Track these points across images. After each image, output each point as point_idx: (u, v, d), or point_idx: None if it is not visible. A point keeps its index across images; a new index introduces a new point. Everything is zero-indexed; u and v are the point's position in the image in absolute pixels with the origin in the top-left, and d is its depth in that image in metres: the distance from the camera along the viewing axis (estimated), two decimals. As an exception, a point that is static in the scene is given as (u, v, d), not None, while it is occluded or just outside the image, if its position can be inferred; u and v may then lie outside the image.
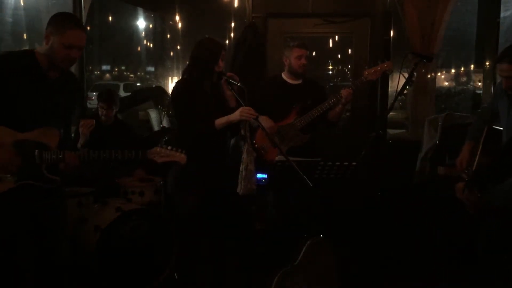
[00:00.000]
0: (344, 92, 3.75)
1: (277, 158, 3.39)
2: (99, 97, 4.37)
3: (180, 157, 2.88)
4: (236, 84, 3.14)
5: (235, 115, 3.20)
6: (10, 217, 2.58)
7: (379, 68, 3.75)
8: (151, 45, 19.70)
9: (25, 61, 2.58)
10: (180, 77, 3.48)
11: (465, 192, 2.84)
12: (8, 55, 2.62)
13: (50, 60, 2.60)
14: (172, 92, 3.41)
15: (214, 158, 3.33)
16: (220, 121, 3.25)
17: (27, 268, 2.65)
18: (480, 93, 5.54)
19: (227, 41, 6.47)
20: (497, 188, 2.64)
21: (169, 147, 2.86)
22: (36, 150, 2.61)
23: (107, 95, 4.34)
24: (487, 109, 3.22)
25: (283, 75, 4.07)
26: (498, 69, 2.85)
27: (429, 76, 5.37)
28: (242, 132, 3.16)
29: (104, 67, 23.11)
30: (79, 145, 3.70)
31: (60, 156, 2.65)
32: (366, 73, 3.77)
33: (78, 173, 2.94)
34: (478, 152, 2.86)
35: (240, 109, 3.16)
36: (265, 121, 3.85)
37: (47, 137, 2.66)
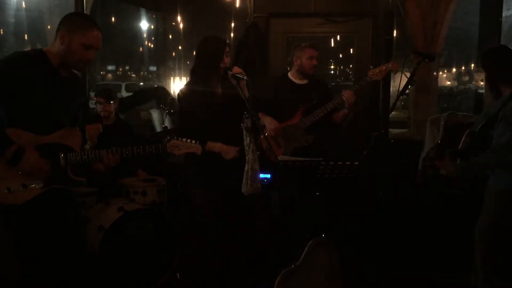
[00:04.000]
0: (345, 94, 3.75)
1: (280, 158, 3.39)
2: (96, 96, 4.36)
3: (197, 147, 2.91)
4: (242, 78, 3.14)
5: (228, 154, 3.28)
6: (40, 223, 2.56)
7: (384, 68, 3.75)
8: (153, 45, 19.73)
9: (38, 61, 2.55)
10: (189, 78, 3.49)
11: (445, 160, 3.13)
12: (20, 56, 2.58)
13: (64, 59, 2.58)
14: (179, 94, 3.44)
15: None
16: (212, 146, 3.26)
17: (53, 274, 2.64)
18: (482, 93, 5.53)
19: (227, 41, 6.47)
20: (472, 160, 2.97)
21: (184, 139, 2.87)
22: (61, 153, 2.59)
23: (103, 90, 4.38)
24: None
25: (290, 75, 4.07)
26: None
27: (431, 75, 5.37)
28: (245, 131, 3.15)
29: (110, 67, 23.16)
30: (87, 147, 3.70)
31: (91, 157, 2.64)
32: (371, 73, 3.76)
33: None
34: (464, 135, 3.16)
35: (235, 152, 3.26)
36: (270, 123, 3.86)
37: (70, 139, 2.64)
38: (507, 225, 2.93)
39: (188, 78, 3.52)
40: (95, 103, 4.36)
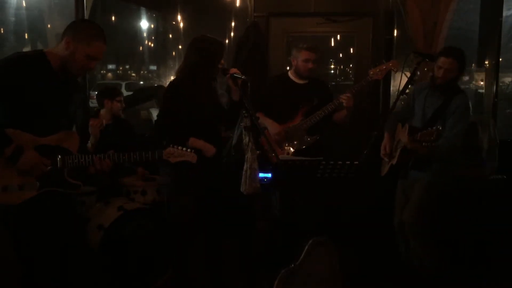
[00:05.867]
0: (344, 98, 3.73)
1: (280, 157, 3.39)
2: (111, 96, 4.32)
3: (191, 156, 2.94)
4: (241, 78, 3.15)
5: (209, 152, 3.27)
6: (35, 224, 2.56)
7: (384, 67, 3.74)
8: (154, 45, 19.72)
9: (38, 63, 2.55)
10: (179, 74, 3.44)
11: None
12: (20, 58, 2.58)
13: (65, 64, 2.59)
14: (168, 88, 3.43)
15: (210, 157, 3.34)
16: (195, 142, 3.25)
17: (50, 275, 2.64)
18: (482, 92, 5.53)
19: (227, 41, 6.46)
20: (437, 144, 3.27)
21: (180, 147, 2.91)
22: (59, 155, 2.60)
23: (114, 89, 4.40)
24: (402, 109, 3.78)
25: (290, 74, 4.06)
26: (436, 64, 3.43)
27: (431, 75, 5.34)
28: (244, 130, 3.15)
29: (110, 66, 23.14)
30: (89, 145, 3.72)
31: (88, 160, 2.66)
32: (372, 72, 3.75)
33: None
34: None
35: (214, 151, 3.28)
36: (272, 127, 3.84)
37: (67, 142, 2.65)
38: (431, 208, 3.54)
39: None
40: (109, 103, 4.33)
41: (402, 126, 3.57)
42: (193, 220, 3.36)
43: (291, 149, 3.87)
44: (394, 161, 3.50)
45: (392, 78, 5.14)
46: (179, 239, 3.46)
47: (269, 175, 3.49)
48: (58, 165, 2.60)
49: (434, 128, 3.11)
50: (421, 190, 3.52)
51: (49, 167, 2.57)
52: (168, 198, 3.57)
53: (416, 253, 3.58)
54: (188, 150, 2.94)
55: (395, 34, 5.23)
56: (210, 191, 3.35)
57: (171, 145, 2.89)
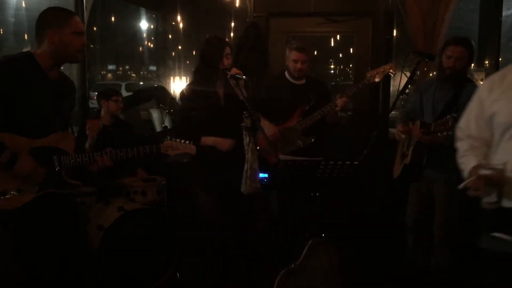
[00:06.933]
0: (339, 102, 3.70)
1: (280, 157, 3.39)
2: (107, 96, 4.30)
3: (191, 148, 2.94)
4: (241, 78, 3.16)
5: (224, 145, 3.36)
6: (35, 227, 2.55)
7: (382, 69, 3.71)
8: (153, 45, 19.75)
9: (27, 65, 2.53)
10: (191, 78, 3.58)
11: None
12: (9, 61, 2.55)
13: (58, 57, 2.57)
14: (181, 93, 3.51)
15: (234, 157, 3.34)
16: (206, 140, 3.35)
17: (50, 279, 2.63)
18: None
19: (229, 42, 6.48)
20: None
21: (178, 140, 2.91)
22: (55, 156, 2.58)
23: (112, 90, 4.40)
24: (410, 108, 3.70)
25: (287, 74, 4.05)
26: (445, 54, 3.33)
27: (431, 75, 5.35)
28: (244, 130, 3.15)
29: (110, 67, 23.17)
30: (87, 146, 3.71)
31: (85, 160, 2.65)
32: (369, 75, 3.72)
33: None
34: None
35: (231, 143, 3.33)
36: (268, 128, 3.83)
37: (63, 142, 2.64)
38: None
39: (189, 77, 3.59)
40: (106, 103, 4.31)
41: (412, 124, 3.52)
42: (214, 218, 3.40)
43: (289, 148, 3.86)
44: (407, 161, 3.45)
45: (391, 78, 5.14)
46: (197, 239, 3.50)
47: (268, 175, 3.50)
48: (55, 166, 2.59)
49: (449, 116, 3.01)
50: (446, 204, 3.42)
51: (45, 172, 2.55)
52: (191, 195, 3.60)
53: (444, 257, 3.50)
54: (187, 142, 2.93)
55: (394, 34, 5.23)
56: (232, 190, 3.36)
57: (169, 138, 2.89)
